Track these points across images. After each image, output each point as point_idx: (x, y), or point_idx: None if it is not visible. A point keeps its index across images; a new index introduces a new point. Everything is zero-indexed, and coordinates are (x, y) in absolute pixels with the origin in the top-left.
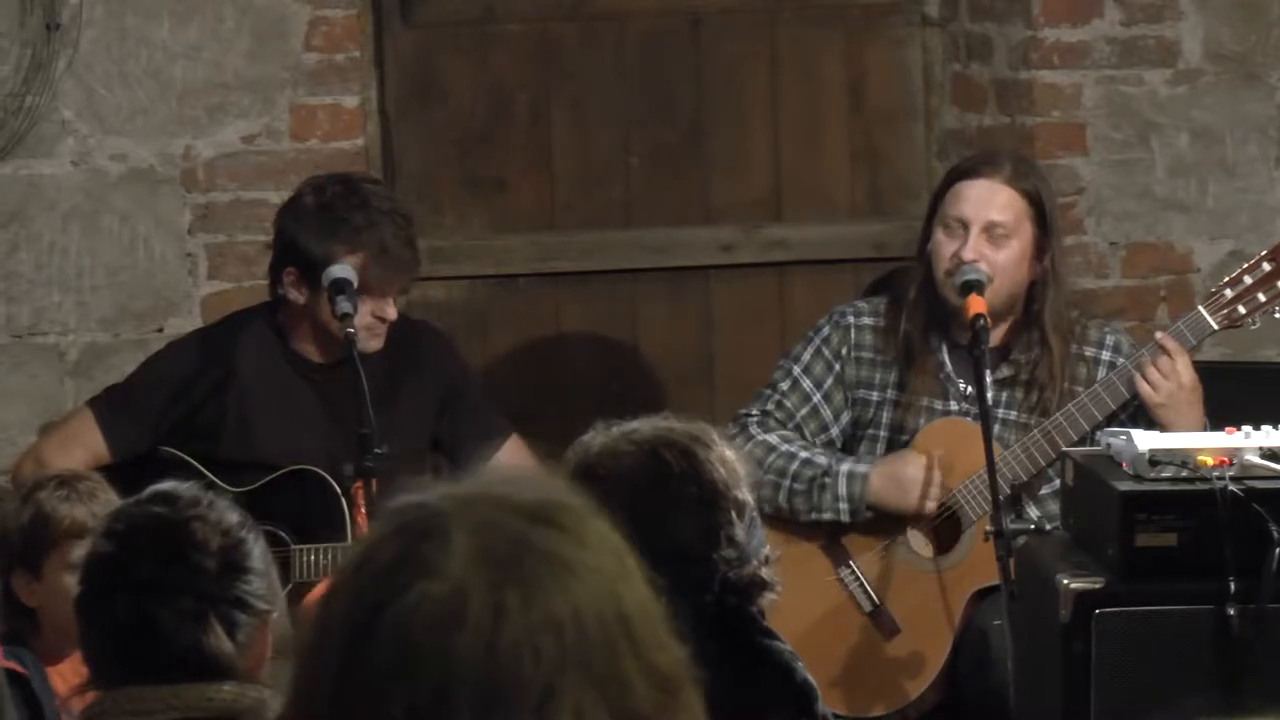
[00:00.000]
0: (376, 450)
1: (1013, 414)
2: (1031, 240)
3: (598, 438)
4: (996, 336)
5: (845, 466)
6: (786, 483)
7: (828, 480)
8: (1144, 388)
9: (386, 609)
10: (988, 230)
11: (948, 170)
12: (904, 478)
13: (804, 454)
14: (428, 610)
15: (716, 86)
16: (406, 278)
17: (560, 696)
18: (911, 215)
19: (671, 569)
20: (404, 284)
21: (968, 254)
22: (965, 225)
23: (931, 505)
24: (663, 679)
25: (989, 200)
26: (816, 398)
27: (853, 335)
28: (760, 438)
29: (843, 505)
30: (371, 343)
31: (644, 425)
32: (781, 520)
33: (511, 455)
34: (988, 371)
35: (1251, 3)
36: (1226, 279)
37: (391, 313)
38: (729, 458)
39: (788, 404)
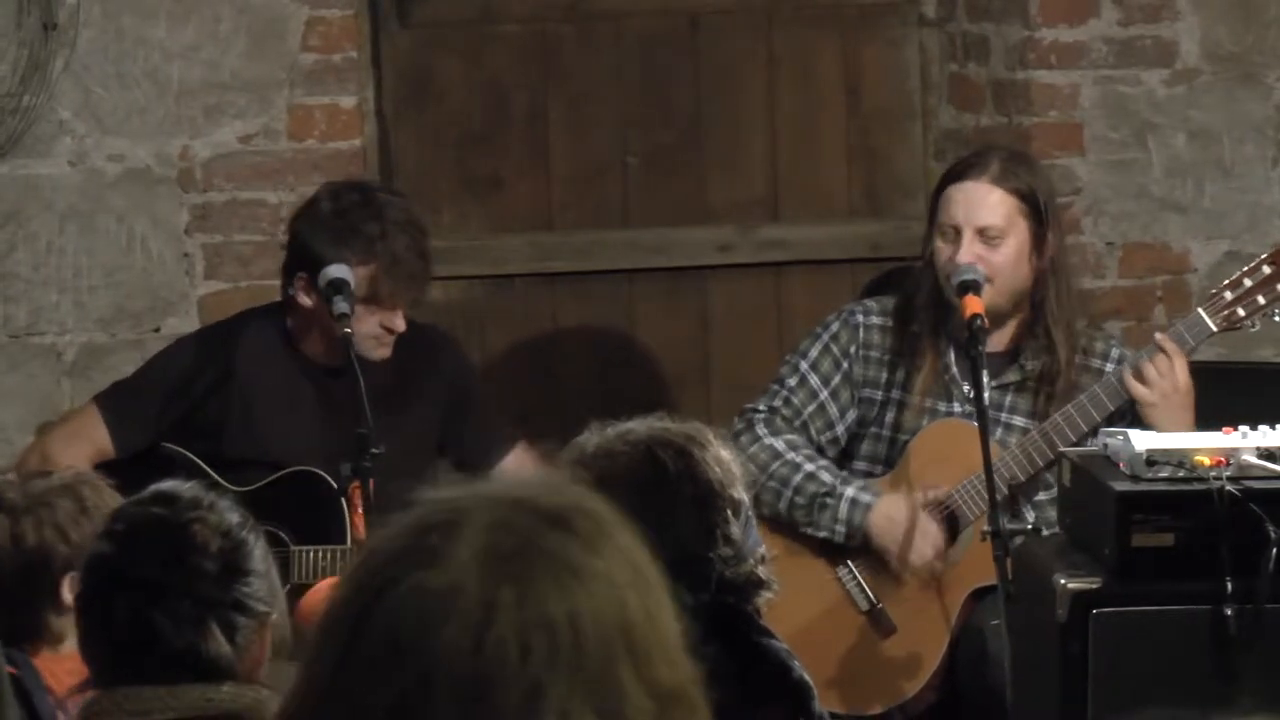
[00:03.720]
0: (374, 450)
1: (1018, 419)
2: (1028, 237)
3: (593, 438)
4: (1004, 340)
5: (850, 491)
6: (788, 493)
7: (829, 501)
8: (1136, 386)
9: (383, 597)
10: (980, 233)
11: (942, 173)
12: (902, 526)
13: (809, 466)
14: (420, 600)
15: (714, 87)
16: (418, 290)
17: (547, 696)
18: (909, 215)
19: (668, 569)
20: (416, 296)
21: (963, 258)
22: (958, 230)
23: (922, 564)
24: (664, 693)
25: (978, 203)
26: (823, 395)
27: (861, 334)
28: (766, 441)
29: (839, 529)
30: (378, 351)
31: (639, 425)
32: (780, 520)
33: (517, 463)
34: (987, 375)
35: (1249, 3)
36: (1226, 281)
37: (400, 324)
38: (724, 457)
39: (795, 401)
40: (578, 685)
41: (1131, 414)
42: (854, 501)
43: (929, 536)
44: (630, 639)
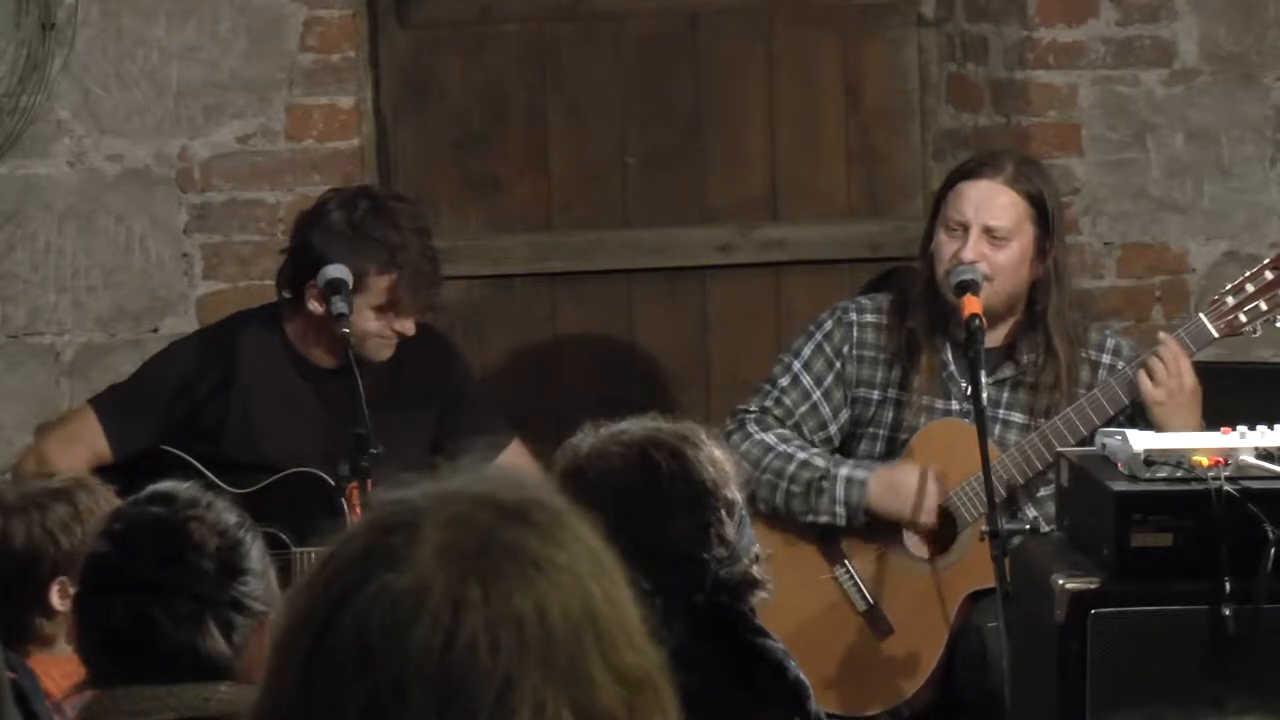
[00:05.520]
0: (372, 450)
1: (1016, 415)
2: (1033, 241)
3: (587, 439)
4: (1000, 336)
5: (844, 471)
6: (783, 484)
7: (825, 484)
8: (1145, 383)
9: (349, 600)
10: (988, 232)
11: (951, 170)
12: (902, 488)
13: (802, 455)
14: (387, 601)
15: (713, 87)
16: (436, 295)
17: (519, 690)
18: (908, 215)
19: (663, 569)
20: (433, 302)
21: (967, 254)
22: (965, 226)
23: (928, 518)
24: (632, 680)
25: (989, 201)
26: (816, 395)
27: (855, 333)
28: (758, 436)
29: (839, 509)
30: (384, 352)
31: (633, 426)
32: (778, 520)
33: (512, 461)
34: (984, 372)
35: (1248, 3)
36: (1228, 286)
37: (412, 329)
38: (718, 457)
39: (787, 401)
40: (549, 677)
41: (1130, 416)
42: (849, 480)
43: (931, 495)
44: (597, 627)
